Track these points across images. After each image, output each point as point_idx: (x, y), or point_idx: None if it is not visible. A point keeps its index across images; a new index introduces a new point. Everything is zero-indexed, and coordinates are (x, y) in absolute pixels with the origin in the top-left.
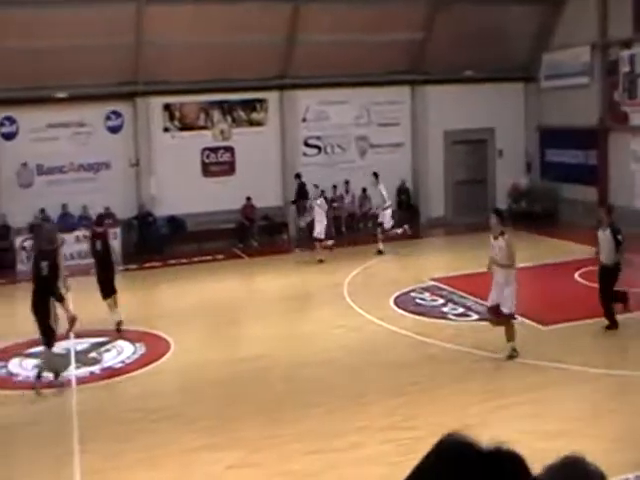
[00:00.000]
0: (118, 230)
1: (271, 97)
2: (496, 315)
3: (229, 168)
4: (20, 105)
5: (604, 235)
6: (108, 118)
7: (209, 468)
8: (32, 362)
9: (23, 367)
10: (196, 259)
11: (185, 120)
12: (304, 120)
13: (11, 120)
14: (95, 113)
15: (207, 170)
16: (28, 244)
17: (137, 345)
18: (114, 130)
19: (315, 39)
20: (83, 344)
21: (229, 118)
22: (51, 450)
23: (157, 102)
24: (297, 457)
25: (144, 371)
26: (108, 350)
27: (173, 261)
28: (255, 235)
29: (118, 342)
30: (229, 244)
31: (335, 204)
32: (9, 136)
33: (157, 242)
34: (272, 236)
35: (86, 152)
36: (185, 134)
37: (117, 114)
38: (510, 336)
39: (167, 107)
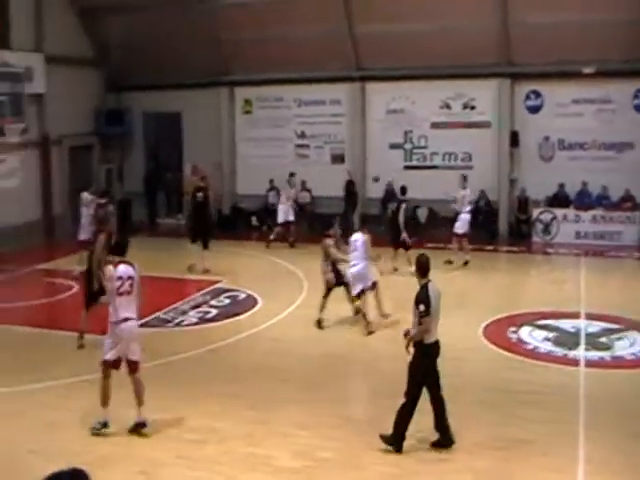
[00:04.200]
0: (638, 214)
1: None
2: None
3: None
4: (546, 79)
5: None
6: (636, 96)
7: None
8: (542, 334)
9: (532, 337)
10: None
11: None
12: None
13: (537, 94)
14: (622, 90)
15: None
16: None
17: None
18: None
19: None
20: (595, 327)
21: None
22: (555, 426)
23: None
24: None
25: None
26: (620, 339)
27: None
28: None
29: (630, 332)
30: None
31: None
32: (534, 109)
33: None
34: None
35: (609, 130)
36: None
37: None
38: None
39: None
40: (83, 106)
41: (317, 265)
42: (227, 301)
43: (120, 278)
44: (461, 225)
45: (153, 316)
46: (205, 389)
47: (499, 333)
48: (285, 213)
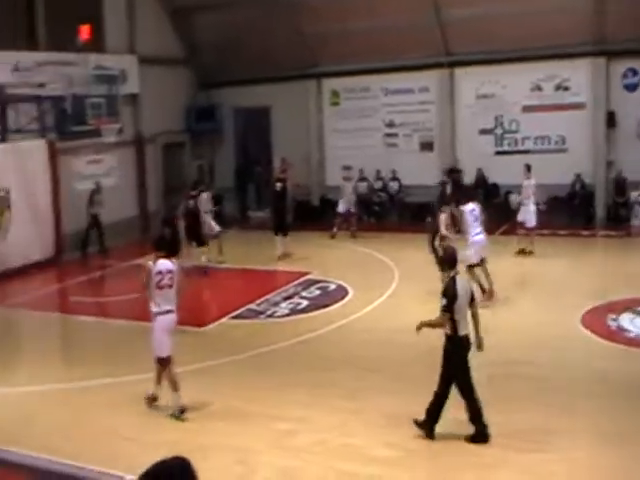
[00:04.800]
0: None
1: None
2: None
3: None
4: None
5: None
6: None
7: None
8: None
9: (634, 324)
10: None
11: None
12: None
13: (634, 71)
14: None
15: None
16: None
17: None
18: None
19: None
20: None
21: None
22: None
23: None
24: None
25: None
26: None
27: None
28: None
29: None
30: None
31: None
32: (632, 87)
33: None
34: None
35: None
36: None
37: None
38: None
39: None
40: (175, 104)
41: (406, 254)
42: (318, 292)
43: (160, 272)
44: (528, 218)
45: (245, 308)
46: (297, 379)
47: (598, 321)
48: (346, 204)
